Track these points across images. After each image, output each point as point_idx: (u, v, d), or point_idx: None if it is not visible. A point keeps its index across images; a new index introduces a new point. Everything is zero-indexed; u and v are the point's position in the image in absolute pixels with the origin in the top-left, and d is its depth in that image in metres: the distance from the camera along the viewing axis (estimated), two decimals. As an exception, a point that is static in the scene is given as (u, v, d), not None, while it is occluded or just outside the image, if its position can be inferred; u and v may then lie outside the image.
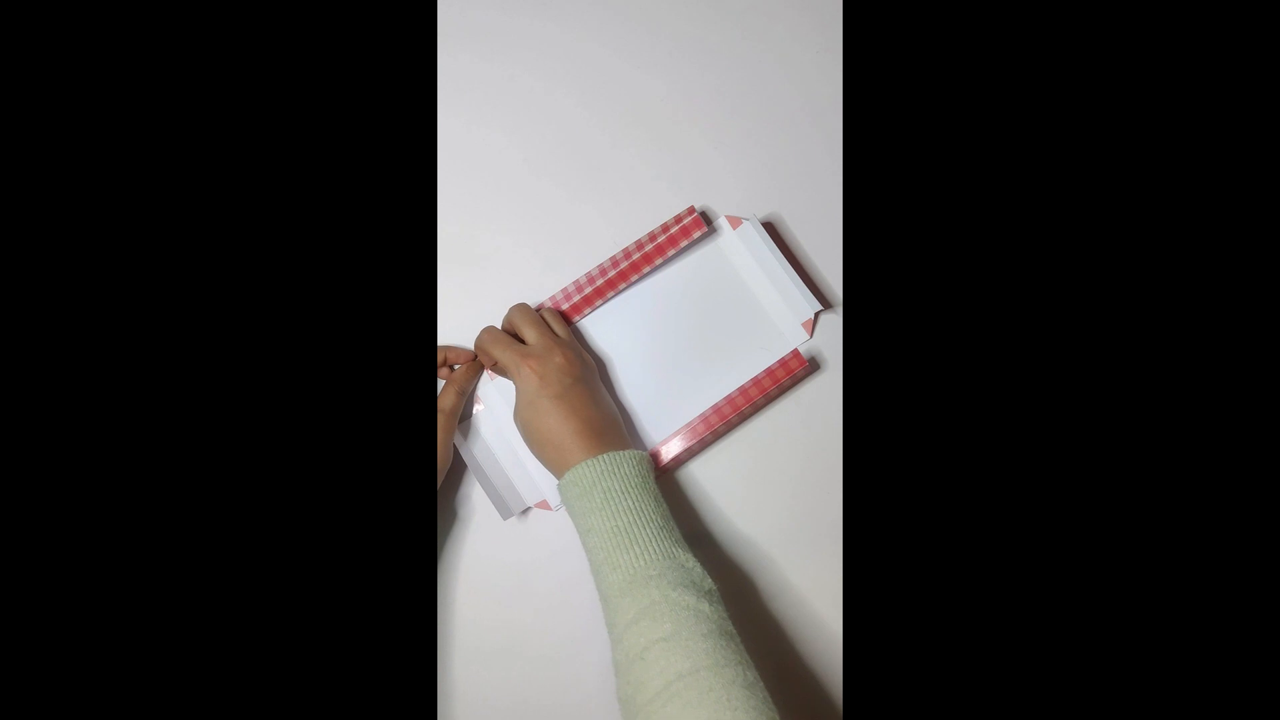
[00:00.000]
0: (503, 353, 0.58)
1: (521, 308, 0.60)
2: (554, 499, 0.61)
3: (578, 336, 0.63)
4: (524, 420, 0.57)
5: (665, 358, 0.63)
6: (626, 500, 0.52)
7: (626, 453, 0.54)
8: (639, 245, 0.62)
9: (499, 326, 0.61)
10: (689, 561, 0.50)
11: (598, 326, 0.64)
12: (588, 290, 0.62)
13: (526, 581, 0.61)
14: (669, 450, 0.60)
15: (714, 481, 0.62)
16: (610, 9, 0.68)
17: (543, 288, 0.64)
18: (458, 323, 0.64)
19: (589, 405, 0.56)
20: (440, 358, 0.62)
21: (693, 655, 0.45)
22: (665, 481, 0.62)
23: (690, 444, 0.60)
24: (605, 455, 0.54)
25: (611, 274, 0.62)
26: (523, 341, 0.59)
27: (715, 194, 0.64)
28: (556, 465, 0.56)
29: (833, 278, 0.63)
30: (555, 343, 0.58)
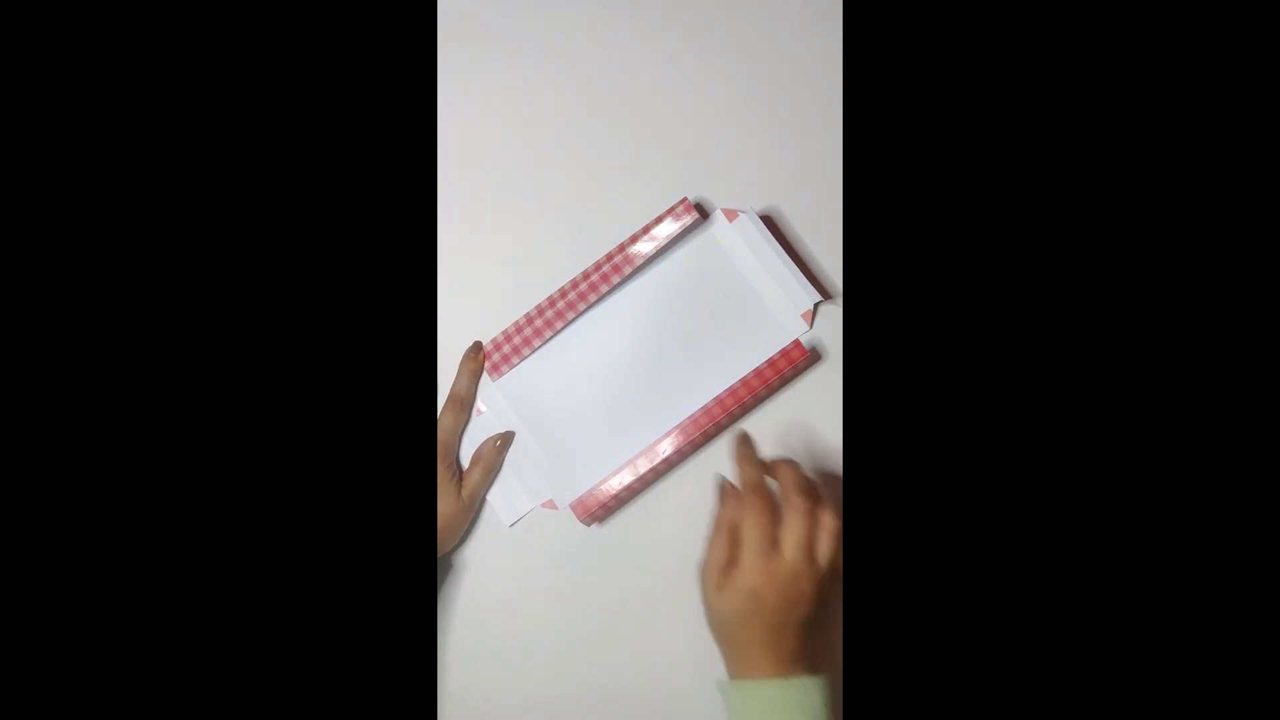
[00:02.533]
0: (755, 541, 0.49)
1: (796, 478, 0.51)
2: (559, 499, 0.61)
3: (576, 337, 0.63)
4: (723, 611, 0.50)
5: (664, 352, 0.62)
6: None
7: (812, 681, 0.48)
8: (633, 239, 0.62)
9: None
10: None
11: (597, 323, 0.63)
12: (583, 286, 0.62)
13: (530, 583, 0.61)
14: (670, 444, 0.60)
15: (714, 476, 0.61)
16: (608, 5, 0.67)
17: (543, 284, 0.64)
18: (458, 322, 0.64)
19: (798, 637, 0.49)
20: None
21: None
22: (665, 479, 0.61)
23: (692, 437, 0.60)
24: (796, 680, 0.48)
25: (605, 268, 0.62)
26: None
27: (714, 189, 0.64)
28: (731, 662, 0.51)
29: (832, 270, 0.63)
30: (800, 571, 0.49)
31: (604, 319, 0.63)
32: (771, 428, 0.62)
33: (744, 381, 0.60)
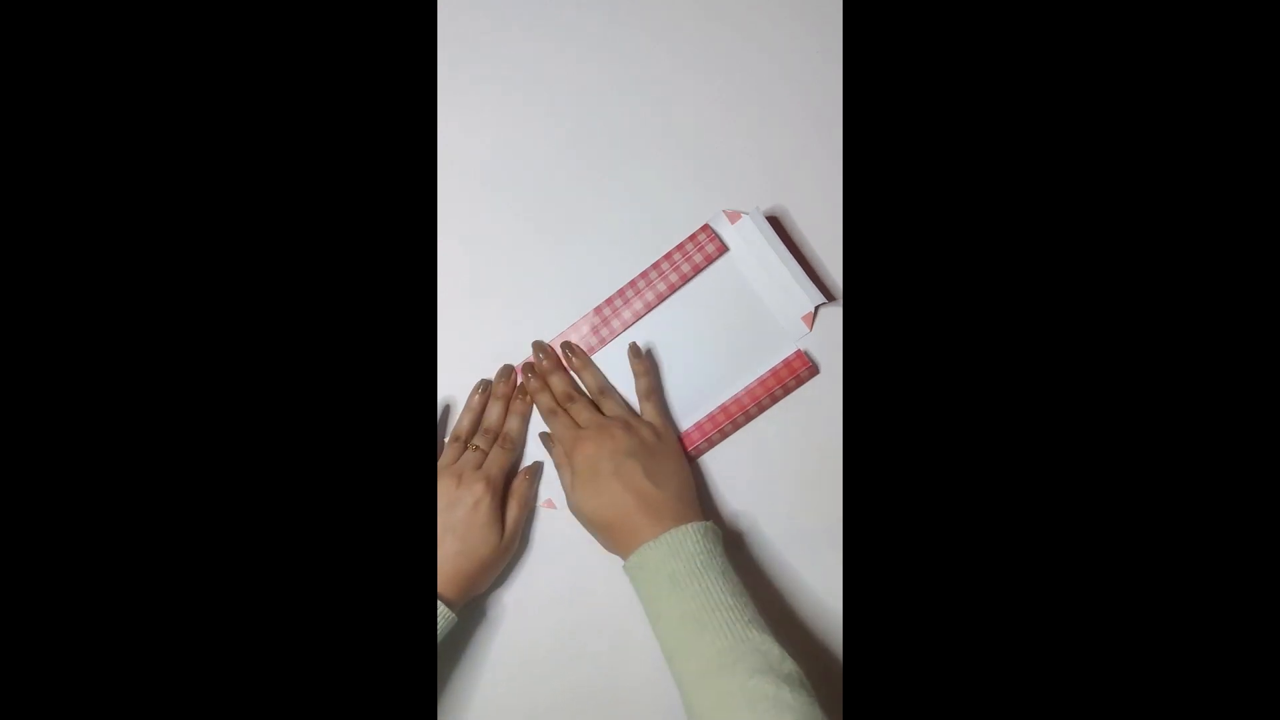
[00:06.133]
0: (563, 432, 0.58)
1: (564, 381, 0.60)
2: (558, 499, 0.61)
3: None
4: (579, 502, 0.56)
5: (666, 355, 0.63)
6: (694, 584, 0.50)
7: (688, 527, 0.52)
8: (659, 271, 0.62)
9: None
10: (765, 644, 0.47)
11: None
12: (614, 323, 0.62)
13: (530, 583, 0.61)
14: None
15: (714, 480, 0.62)
16: (610, 8, 0.68)
17: (541, 285, 0.64)
18: (459, 328, 0.64)
19: (642, 479, 0.54)
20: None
21: None
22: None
23: (695, 444, 0.60)
24: (666, 535, 0.51)
25: (637, 305, 0.62)
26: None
27: (715, 191, 0.64)
28: (619, 548, 0.54)
29: (833, 272, 0.63)
30: (604, 422, 0.57)
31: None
32: (772, 432, 0.62)
33: (748, 390, 0.60)
